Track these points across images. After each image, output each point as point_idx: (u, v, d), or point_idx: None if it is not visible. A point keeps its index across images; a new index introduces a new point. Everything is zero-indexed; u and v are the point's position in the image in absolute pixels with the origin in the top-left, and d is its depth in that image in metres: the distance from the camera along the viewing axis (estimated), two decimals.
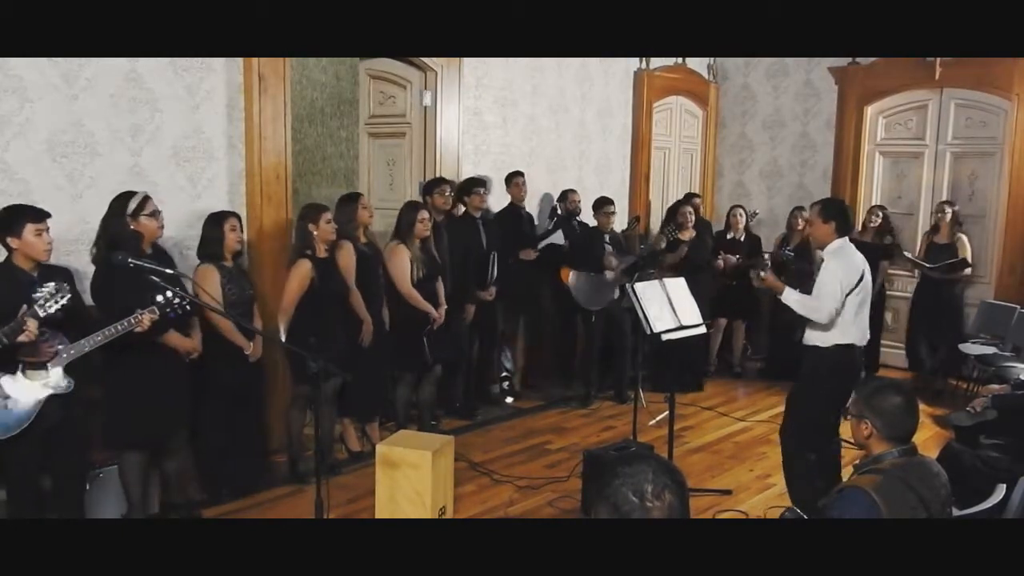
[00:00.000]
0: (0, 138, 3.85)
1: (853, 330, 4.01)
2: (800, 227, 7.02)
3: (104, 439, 3.85)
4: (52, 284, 3.18)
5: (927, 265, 6.65)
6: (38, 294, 3.17)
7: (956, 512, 2.67)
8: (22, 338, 3.12)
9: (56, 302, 3.16)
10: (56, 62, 3.97)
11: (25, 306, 3.15)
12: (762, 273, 4.25)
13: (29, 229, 3.31)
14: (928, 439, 5.47)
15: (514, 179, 6.26)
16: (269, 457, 4.76)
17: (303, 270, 4.45)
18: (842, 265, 3.98)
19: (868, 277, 4.07)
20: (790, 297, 4.10)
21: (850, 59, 7.61)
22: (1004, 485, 2.97)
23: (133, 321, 3.36)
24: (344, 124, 7.38)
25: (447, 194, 5.62)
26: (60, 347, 3.30)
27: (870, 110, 7.71)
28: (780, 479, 4.56)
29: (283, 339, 4.37)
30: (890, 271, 7.31)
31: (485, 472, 4.88)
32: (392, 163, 6.28)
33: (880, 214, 7.06)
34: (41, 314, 3.14)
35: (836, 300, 3.93)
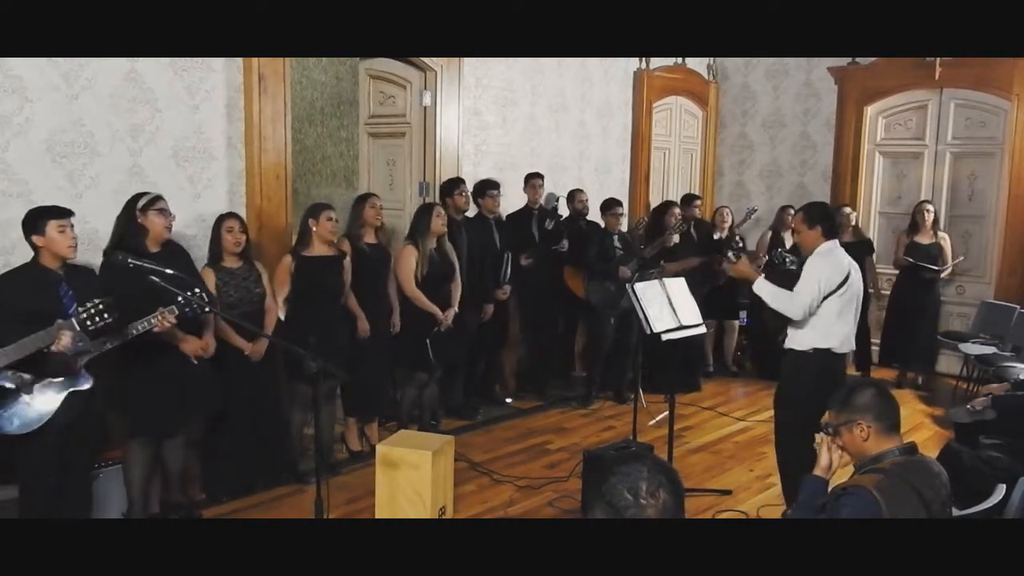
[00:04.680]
0: (0, 138, 3.86)
1: (835, 334, 3.89)
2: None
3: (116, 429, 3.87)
4: (99, 301, 3.20)
5: (934, 268, 6.61)
6: (83, 307, 3.18)
7: (956, 512, 2.67)
8: (53, 349, 3.17)
9: (101, 320, 3.19)
10: (56, 62, 3.98)
11: (60, 321, 3.18)
12: (731, 257, 4.17)
13: (52, 226, 3.35)
14: (928, 439, 5.48)
15: (531, 180, 6.27)
16: (278, 457, 4.74)
17: (282, 266, 4.52)
18: (826, 265, 3.90)
19: (857, 282, 3.97)
20: (763, 288, 4.01)
21: (850, 59, 7.61)
22: (1004, 485, 2.97)
23: (155, 320, 3.39)
24: (344, 124, 7.39)
25: (466, 193, 5.64)
26: (80, 344, 3.31)
27: (870, 110, 7.71)
28: (779, 479, 4.56)
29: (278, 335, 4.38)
30: (882, 270, 7.31)
31: (485, 472, 4.88)
32: (392, 163, 6.29)
33: (851, 211, 7.03)
34: (79, 328, 3.17)
35: (811, 297, 3.85)
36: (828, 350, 3.90)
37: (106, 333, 3.35)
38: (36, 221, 3.37)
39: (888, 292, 7.39)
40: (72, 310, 3.25)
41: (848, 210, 6.97)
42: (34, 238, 3.37)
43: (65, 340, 3.17)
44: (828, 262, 3.92)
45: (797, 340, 3.98)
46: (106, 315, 3.20)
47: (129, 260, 3.49)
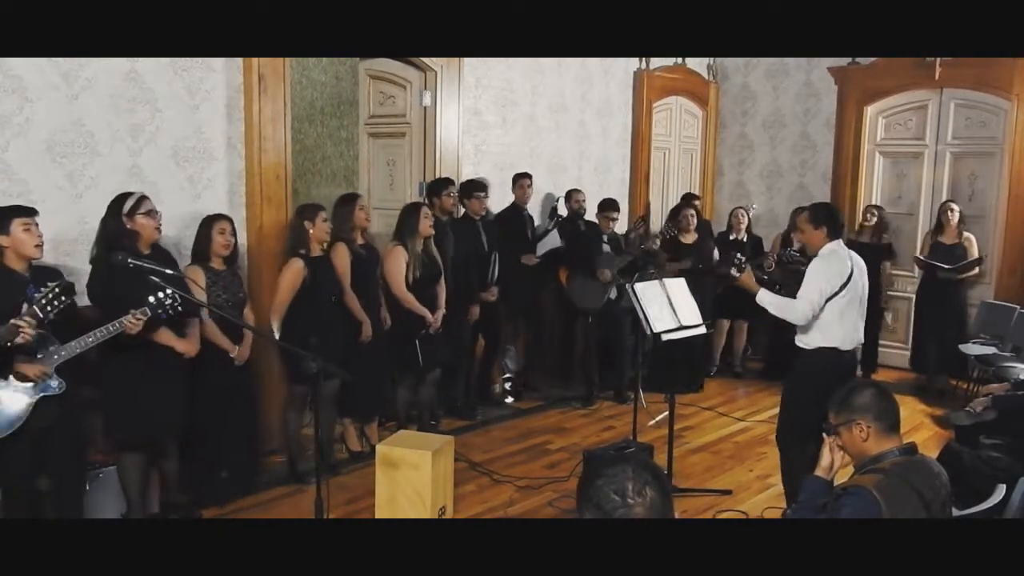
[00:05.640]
0: (0, 138, 3.86)
1: (837, 333, 3.97)
2: None
3: (105, 438, 3.86)
4: (55, 284, 3.16)
5: (945, 267, 6.58)
6: (39, 293, 3.15)
7: (956, 512, 2.67)
8: (19, 340, 3.10)
9: (59, 302, 3.15)
10: (56, 62, 3.97)
11: (25, 305, 3.14)
12: (735, 273, 4.25)
13: (16, 224, 3.29)
14: (928, 439, 5.48)
15: (520, 180, 6.28)
16: (263, 458, 4.75)
17: (295, 268, 4.46)
18: (826, 268, 3.97)
19: (860, 280, 4.04)
20: (764, 298, 4.11)
21: (850, 59, 7.61)
22: (1004, 485, 2.97)
23: (123, 323, 3.35)
24: (344, 124, 7.38)
25: (453, 195, 5.63)
26: (51, 348, 3.30)
27: (870, 110, 7.71)
28: (780, 479, 4.56)
29: (276, 338, 4.36)
30: (892, 271, 7.31)
31: (485, 472, 4.88)
32: (392, 163, 6.29)
33: (876, 213, 7.04)
34: (40, 315, 3.12)
35: (811, 303, 3.92)
36: (834, 348, 3.98)
37: (66, 317, 3.29)
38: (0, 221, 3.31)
39: (898, 294, 7.40)
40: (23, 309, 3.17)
41: (874, 211, 7.01)
42: None
43: (27, 330, 3.09)
44: (830, 264, 3.98)
45: (803, 339, 4.06)
46: (63, 298, 3.15)
47: (129, 260, 3.49)
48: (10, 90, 3.86)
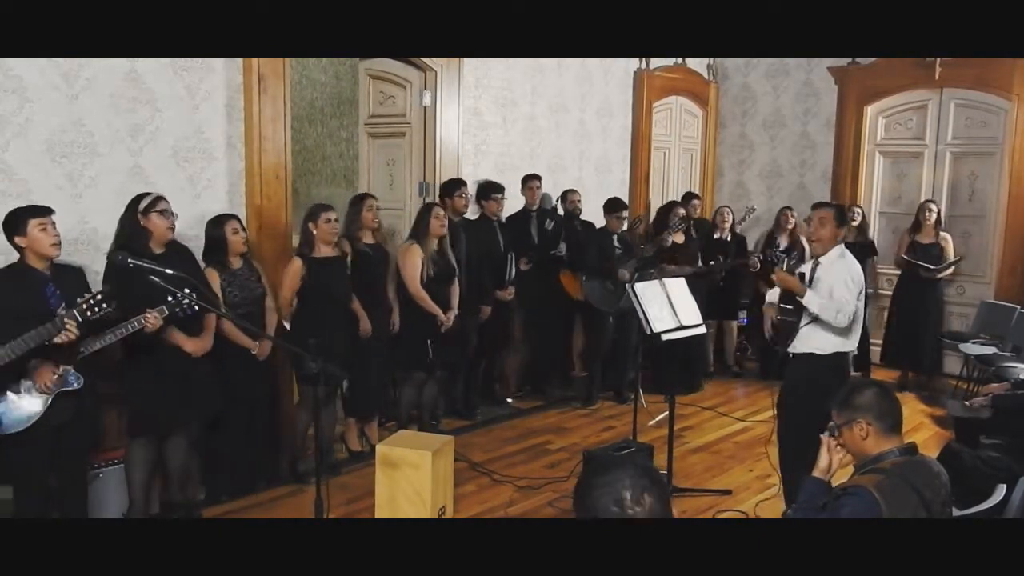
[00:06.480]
0: (0, 138, 3.86)
1: (854, 336, 4.00)
2: (791, 226, 7.02)
3: (129, 427, 3.92)
4: (97, 291, 3.24)
5: (929, 267, 6.63)
6: (81, 299, 3.20)
7: (956, 512, 2.67)
8: (60, 339, 3.16)
9: (100, 309, 3.21)
10: (56, 62, 3.97)
11: (64, 305, 3.20)
12: (782, 266, 4.25)
13: (33, 225, 3.33)
14: (928, 439, 5.48)
15: (528, 182, 6.27)
16: (281, 454, 4.75)
17: (293, 268, 4.51)
18: (848, 269, 3.99)
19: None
20: (812, 300, 3.92)
21: (850, 59, 7.61)
22: (1004, 485, 2.97)
23: (142, 321, 3.41)
24: (344, 124, 7.40)
25: (466, 195, 5.64)
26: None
27: (870, 110, 7.71)
28: (781, 481, 4.56)
29: (283, 338, 4.39)
30: (883, 270, 7.33)
31: (485, 472, 4.88)
32: (392, 163, 6.29)
33: (860, 212, 7.05)
34: (80, 319, 3.17)
35: (852, 303, 3.91)
36: (845, 352, 4.01)
37: (106, 324, 3.37)
38: (16, 222, 3.34)
39: (886, 292, 7.41)
40: (61, 308, 3.24)
41: (858, 210, 7.01)
42: (16, 239, 3.35)
43: (72, 330, 3.17)
44: (849, 266, 4.00)
45: (817, 344, 3.99)
46: (104, 304, 3.22)
47: (129, 260, 3.49)
48: (10, 90, 3.86)
